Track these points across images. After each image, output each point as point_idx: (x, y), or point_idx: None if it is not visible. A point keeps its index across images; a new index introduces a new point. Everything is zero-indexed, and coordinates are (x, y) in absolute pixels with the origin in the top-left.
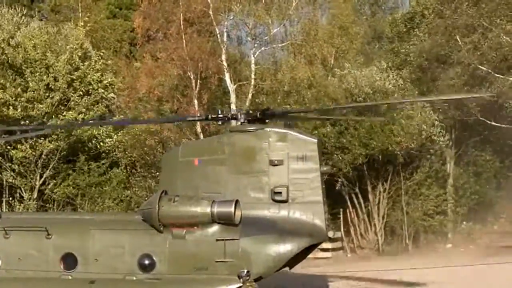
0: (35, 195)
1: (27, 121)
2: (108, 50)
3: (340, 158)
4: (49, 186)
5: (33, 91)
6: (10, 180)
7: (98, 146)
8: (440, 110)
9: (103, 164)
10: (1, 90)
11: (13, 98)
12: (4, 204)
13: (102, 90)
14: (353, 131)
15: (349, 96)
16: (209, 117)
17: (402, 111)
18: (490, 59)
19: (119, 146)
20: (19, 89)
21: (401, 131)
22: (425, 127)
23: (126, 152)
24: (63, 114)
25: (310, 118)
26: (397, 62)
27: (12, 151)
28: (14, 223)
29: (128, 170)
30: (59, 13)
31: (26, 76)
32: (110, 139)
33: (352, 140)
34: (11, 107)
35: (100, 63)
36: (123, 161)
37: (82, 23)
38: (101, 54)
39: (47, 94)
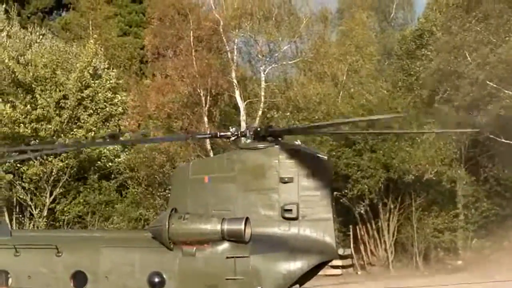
0: (45, 212)
1: (37, 140)
2: (119, 68)
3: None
4: (59, 204)
5: (43, 109)
6: (21, 197)
7: (107, 165)
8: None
9: (113, 183)
10: (12, 108)
11: (23, 116)
12: (14, 221)
13: (112, 108)
14: (370, 154)
15: (361, 113)
16: (219, 134)
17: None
18: (498, 74)
19: (129, 164)
20: (28, 107)
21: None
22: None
23: (135, 171)
24: (73, 132)
25: (312, 128)
26: (407, 82)
27: (23, 168)
28: (24, 241)
29: (138, 188)
30: (69, 31)
31: (36, 93)
32: (119, 158)
33: (371, 164)
34: (21, 125)
35: (112, 81)
36: (130, 181)
37: (92, 41)
38: (113, 72)
39: (56, 112)
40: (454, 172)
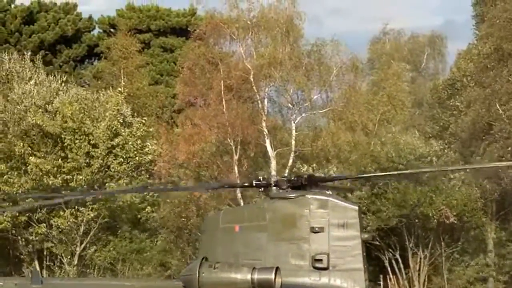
0: (75, 261)
1: (68, 191)
2: (150, 116)
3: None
4: (90, 252)
5: (73, 161)
6: (51, 247)
7: (138, 215)
8: (481, 181)
9: (143, 232)
10: (42, 160)
11: (55, 169)
12: (44, 269)
13: (142, 157)
14: (389, 195)
15: (391, 162)
16: (249, 184)
17: (446, 182)
18: None
19: (158, 215)
20: (60, 161)
21: (444, 201)
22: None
23: (165, 220)
24: (105, 185)
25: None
26: (437, 130)
27: (54, 218)
28: None
29: (168, 236)
30: (101, 79)
31: (65, 144)
32: (148, 207)
33: (386, 202)
34: (52, 177)
35: (141, 130)
36: (161, 230)
37: (120, 89)
38: (143, 121)
39: (87, 162)
40: (480, 218)
